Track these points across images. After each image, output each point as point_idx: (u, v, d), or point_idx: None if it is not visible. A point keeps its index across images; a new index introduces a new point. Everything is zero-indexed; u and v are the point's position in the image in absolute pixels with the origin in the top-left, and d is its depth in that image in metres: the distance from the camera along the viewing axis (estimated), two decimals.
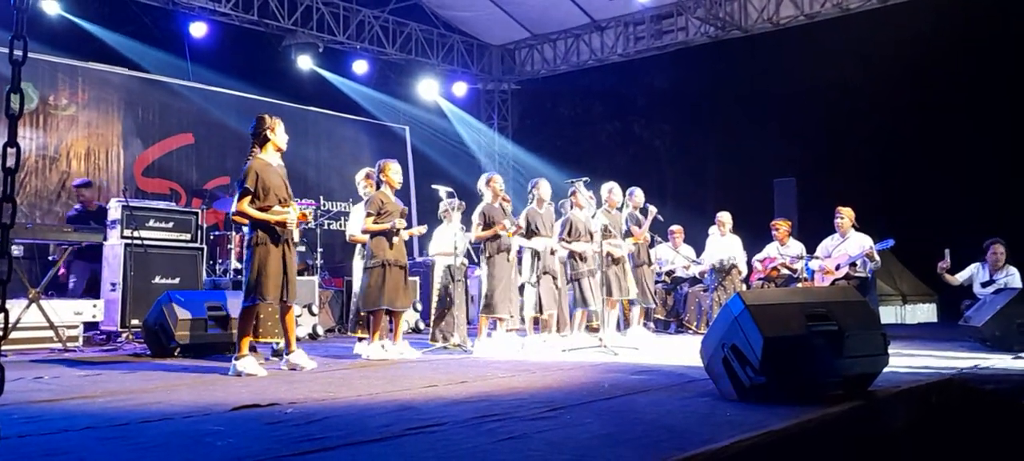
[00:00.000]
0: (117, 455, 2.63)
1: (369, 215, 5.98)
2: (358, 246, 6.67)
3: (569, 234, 7.29)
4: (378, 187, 6.12)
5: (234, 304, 6.24)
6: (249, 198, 4.96)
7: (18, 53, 1.63)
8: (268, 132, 5.12)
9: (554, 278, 6.98)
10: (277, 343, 5.84)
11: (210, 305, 6.17)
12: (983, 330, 6.44)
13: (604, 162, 11.37)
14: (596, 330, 7.66)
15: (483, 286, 6.80)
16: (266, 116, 5.21)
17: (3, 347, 6.65)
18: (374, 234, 5.96)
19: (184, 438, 2.90)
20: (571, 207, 7.45)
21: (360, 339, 6.47)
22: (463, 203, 7.32)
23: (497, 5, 12.55)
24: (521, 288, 6.93)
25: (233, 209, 5.13)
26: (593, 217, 7.57)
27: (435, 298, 7.07)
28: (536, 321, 7.07)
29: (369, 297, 5.91)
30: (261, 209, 4.99)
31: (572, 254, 7.28)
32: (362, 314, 6.31)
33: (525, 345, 6.86)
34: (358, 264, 6.62)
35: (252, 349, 5.09)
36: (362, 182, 6.79)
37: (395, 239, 5.98)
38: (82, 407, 3.65)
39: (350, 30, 11.65)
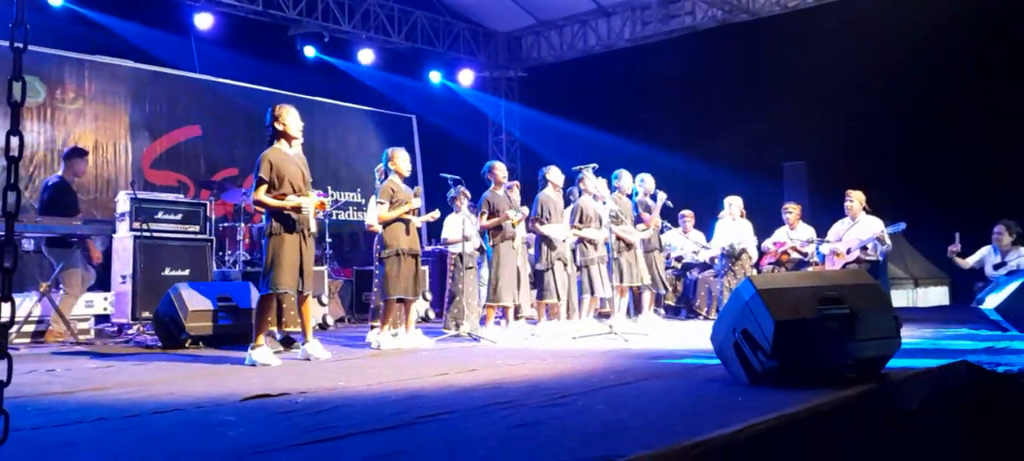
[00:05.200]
0: (130, 446, 2.64)
1: (380, 203, 5.99)
2: (376, 235, 6.73)
3: (579, 220, 7.29)
4: (387, 176, 6.13)
5: (244, 295, 6.29)
6: (265, 187, 4.99)
7: (19, 43, 1.62)
8: (276, 124, 5.11)
9: (565, 265, 7.00)
10: (280, 333, 5.86)
11: (220, 296, 6.19)
12: (998, 312, 6.39)
13: (612, 148, 11.31)
14: (607, 316, 7.66)
15: (490, 275, 6.83)
16: (275, 107, 5.19)
17: (16, 340, 6.69)
18: (387, 223, 5.96)
19: (196, 428, 2.91)
20: (580, 193, 7.44)
21: (372, 327, 6.52)
22: (469, 193, 7.32)
23: None
24: (540, 275, 6.94)
25: (252, 199, 5.18)
26: (603, 203, 7.55)
27: (449, 286, 7.11)
28: (547, 308, 7.07)
29: (385, 287, 5.94)
30: (276, 199, 5.01)
31: (581, 240, 7.27)
32: (378, 303, 6.36)
33: (536, 332, 6.87)
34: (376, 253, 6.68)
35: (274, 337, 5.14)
36: (378, 174, 6.84)
37: (409, 226, 5.99)
38: (94, 399, 3.67)
39: (355, 19, 11.62)
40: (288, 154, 5.13)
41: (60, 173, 7.02)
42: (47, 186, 6.94)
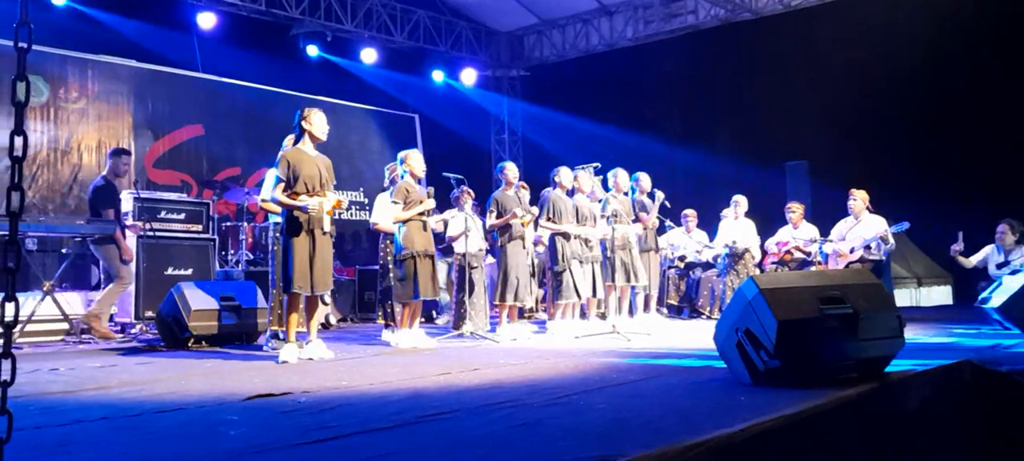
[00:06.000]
0: (132, 445, 2.64)
1: (396, 204, 5.99)
2: (381, 234, 6.73)
3: (576, 220, 7.27)
4: (401, 176, 6.14)
5: (247, 295, 6.30)
6: (281, 187, 5.06)
7: (23, 43, 1.62)
8: (303, 123, 5.22)
9: (581, 263, 7.01)
10: (277, 331, 5.85)
11: (223, 296, 6.19)
12: (1001, 311, 6.38)
13: (615, 147, 11.31)
14: (603, 317, 7.65)
15: (498, 274, 6.84)
16: (305, 108, 5.31)
17: (19, 340, 6.69)
18: (402, 223, 5.97)
19: (198, 428, 2.91)
20: (573, 193, 7.43)
21: (387, 326, 6.53)
22: (473, 191, 7.32)
23: None
24: (558, 276, 6.94)
25: (265, 196, 5.25)
26: (601, 202, 7.55)
27: (454, 286, 7.12)
28: (569, 306, 7.09)
29: (405, 290, 5.93)
30: (290, 198, 5.05)
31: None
32: (393, 304, 6.37)
33: (551, 330, 6.88)
34: (382, 253, 6.70)
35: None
36: (388, 173, 6.85)
37: (423, 227, 6.01)
38: (97, 398, 3.67)
39: (358, 18, 11.62)
40: (309, 154, 5.18)
41: (103, 173, 7.14)
42: (92, 187, 7.05)
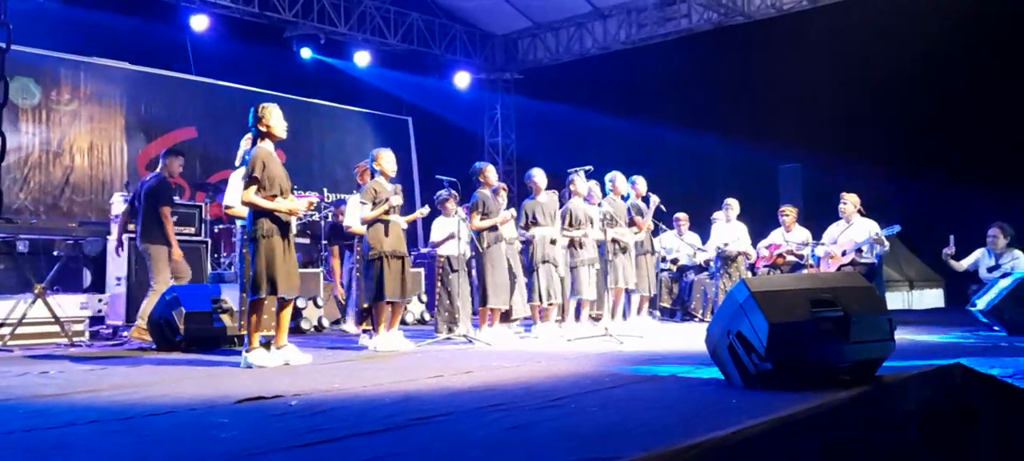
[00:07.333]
0: (124, 449, 2.64)
1: (364, 204, 5.95)
2: (356, 238, 6.68)
3: (569, 223, 7.27)
4: (372, 176, 6.10)
5: (240, 298, 6.27)
6: (255, 187, 4.85)
7: (2, 43, 1.63)
8: (259, 124, 5.00)
9: (555, 267, 6.98)
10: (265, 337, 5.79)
11: (215, 299, 6.17)
12: (990, 314, 6.42)
13: (608, 151, 11.34)
14: (597, 319, 7.66)
15: (481, 277, 6.82)
16: (259, 107, 5.06)
17: (9, 342, 6.62)
18: (371, 224, 5.92)
19: (190, 431, 2.91)
20: (570, 196, 7.43)
21: (365, 331, 6.49)
22: (459, 195, 7.29)
23: None
24: (529, 276, 6.95)
25: (239, 199, 5.02)
26: (598, 205, 7.56)
27: (437, 289, 7.10)
28: (540, 310, 7.07)
29: (370, 290, 5.91)
30: (267, 199, 4.89)
31: (571, 242, 7.25)
32: (364, 307, 6.33)
33: (535, 334, 6.87)
34: (358, 256, 6.64)
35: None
36: (358, 174, 6.81)
37: (391, 227, 5.91)
38: (88, 401, 3.66)
39: (351, 21, 11.62)
40: (274, 155, 5.03)
41: (158, 171, 6.97)
42: (158, 180, 6.84)
